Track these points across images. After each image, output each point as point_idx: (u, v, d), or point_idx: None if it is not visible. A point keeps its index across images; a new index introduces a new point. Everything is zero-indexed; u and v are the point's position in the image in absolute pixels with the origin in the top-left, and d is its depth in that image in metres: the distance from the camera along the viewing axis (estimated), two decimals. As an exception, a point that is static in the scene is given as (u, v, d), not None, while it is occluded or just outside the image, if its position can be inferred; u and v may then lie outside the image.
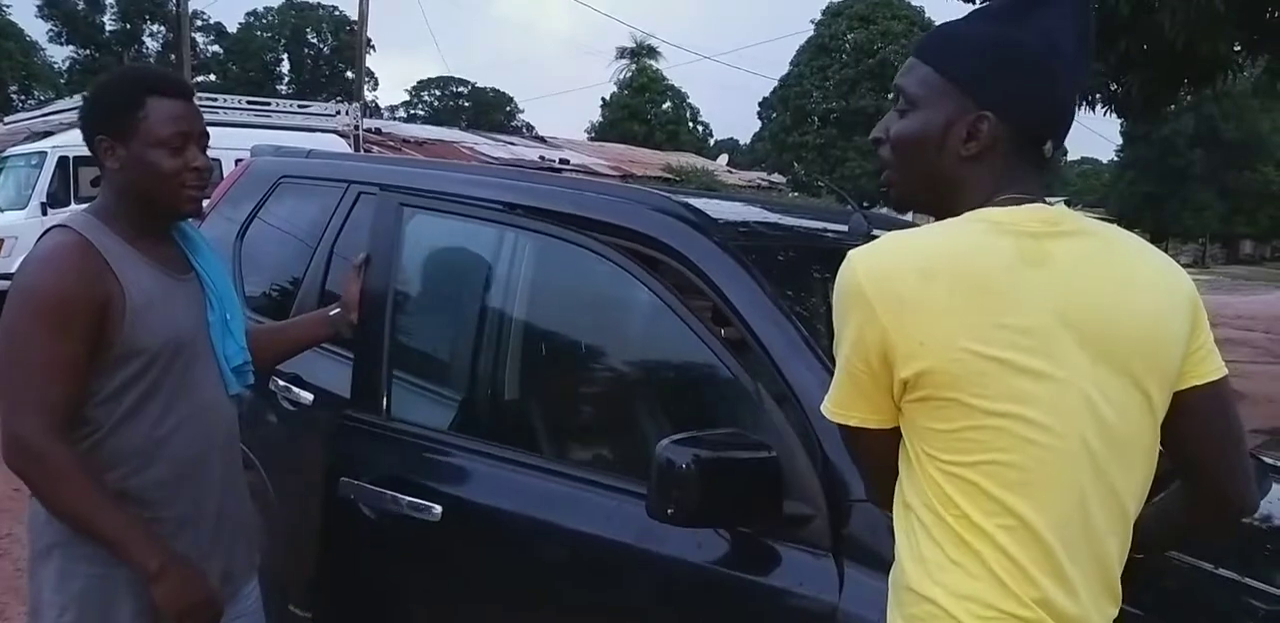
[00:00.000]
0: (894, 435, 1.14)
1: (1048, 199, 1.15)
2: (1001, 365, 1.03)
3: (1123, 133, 40.50)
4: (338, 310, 2.15)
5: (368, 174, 2.54)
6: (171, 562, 1.61)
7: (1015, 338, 1.03)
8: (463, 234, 2.34)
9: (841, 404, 1.15)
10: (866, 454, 1.21)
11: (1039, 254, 1.06)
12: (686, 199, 2.17)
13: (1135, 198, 44.15)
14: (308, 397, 2.29)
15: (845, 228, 2.28)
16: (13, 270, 9.07)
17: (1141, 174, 43.75)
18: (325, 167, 2.72)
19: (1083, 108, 7.11)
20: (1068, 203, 54.32)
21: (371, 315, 2.17)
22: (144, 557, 1.59)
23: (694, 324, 1.80)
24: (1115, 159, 45.36)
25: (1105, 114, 7.44)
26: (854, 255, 1.10)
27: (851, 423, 1.15)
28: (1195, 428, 1.15)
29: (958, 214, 1.12)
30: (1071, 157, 72.72)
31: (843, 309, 1.10)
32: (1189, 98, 7.96)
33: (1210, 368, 1.14)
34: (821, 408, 1.18)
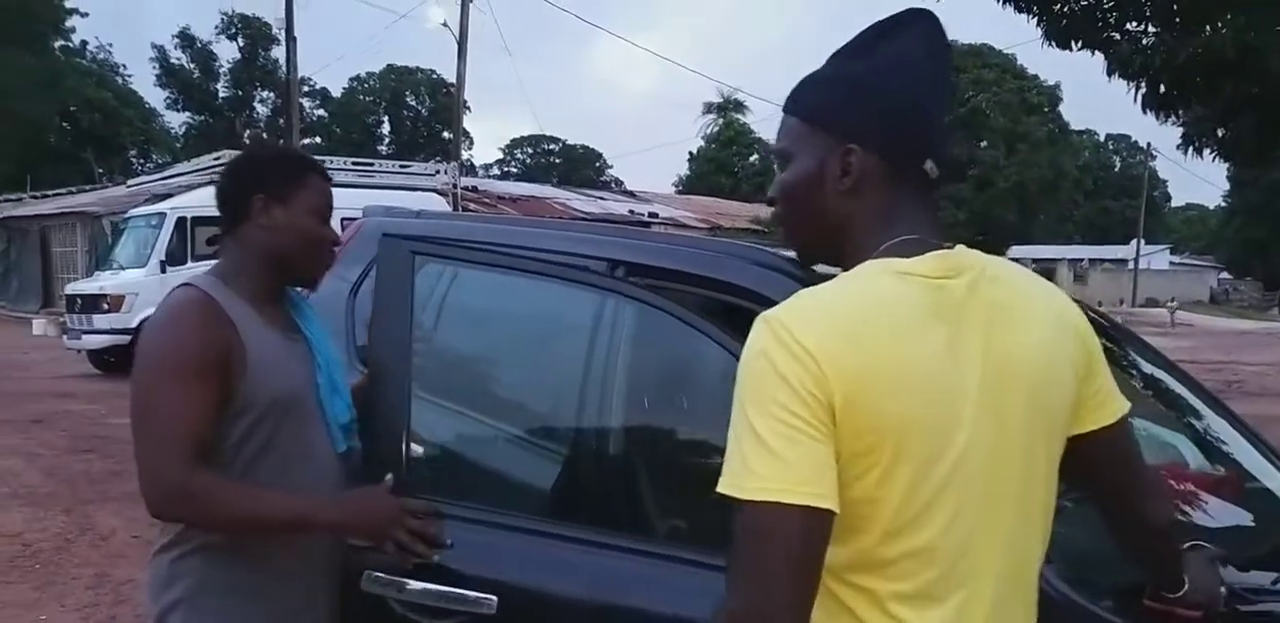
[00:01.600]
0: (831, 523, 0.97)
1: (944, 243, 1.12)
2: (921, 428, 1.00)
3: (1230, 178, 39.09)
4: None
5: (475, 234, 2.57)
6: (346, 507, 1.70)
7: (932, 397, 1.01)
8: (552, 296, 2.12)
9: (777, 477, 0.95)
10: (801, 551, 0.95)
11: (951, 309, 1.04)
12: (786, 253, 2.16)
13: (1244, 244, 42.35)
14: None
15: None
16: (133, 325, 9.56)
17: (1250, 220, 42.08)
18: (449, 228, 2.71)
19: (1188, 153, 6.92)
20: (1173, 250, 52.48)
21: (396, 375, 1.91)
22: (329, 519, 1.69)
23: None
24: (1223, 205, 43.71)
25: (1213, 160, 7.22)
26: (777, 316, 1.02)
27: (794, 501, 0.94)
28: (1100, 466, 1.19)
29: (858, 260, 1.09)
30: (1176, 203, 70.44)
31: (774, 369, 0.98)
32: (1302, 141, 7.65)
33: (1109, 411, 1.16)
34: (732, 488, 0.96)
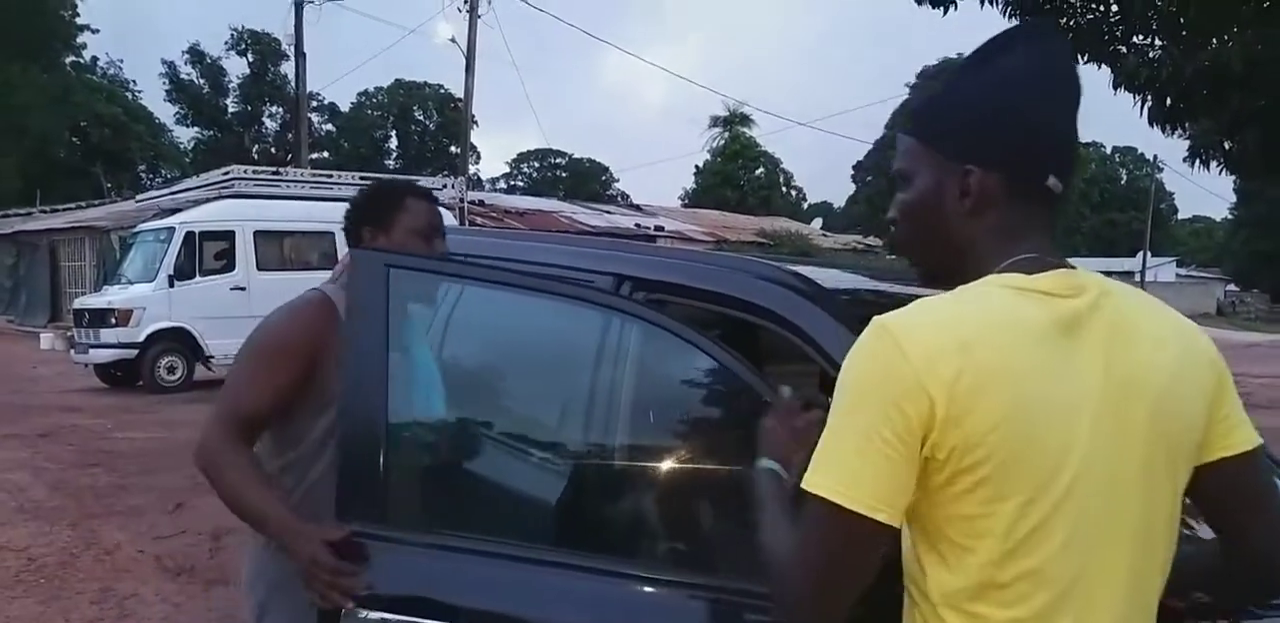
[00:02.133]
0: (891, 539, 1.01)
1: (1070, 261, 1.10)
2: (1032, 443, 0.98)
3: (1236, 190, 39.07)
4: None
5: (482, 248, 2.55)
6: (285, 529, 1.70)
7: (1045, 415, 0.98)
8: (543, 311, 2.04)
9: (854, 484, 0.98)
10: (851, 560, 1.01)
11: (1071, 326, 1.01)
12: (793, 267, 2.16)
13: (1251, 257, 42.23)
14: None
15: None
16: (140, 340, 9.63)
17: (1257, 232, 42.02)
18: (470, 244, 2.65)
19: (1195, 165, 6.90)
20: (1179, 262, 52.39)
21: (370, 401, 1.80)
22: (272, 532, 1.74)
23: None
24: (1229, 217, 43.64)
25: (1220, 172, 7.20)
26: (888, 323, 1.02)
27: (860, 510, 0.97)
28: (1227, 497, 1.11)
29: (968, 278, 1.08)
30: (1183, 215, 70.35)
31: (873, 376, 1.00)
32: (1309, 154, 7.64)
33: (1237, 440, 1.09)
34: (810, 484, 1.01)
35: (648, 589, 1.68)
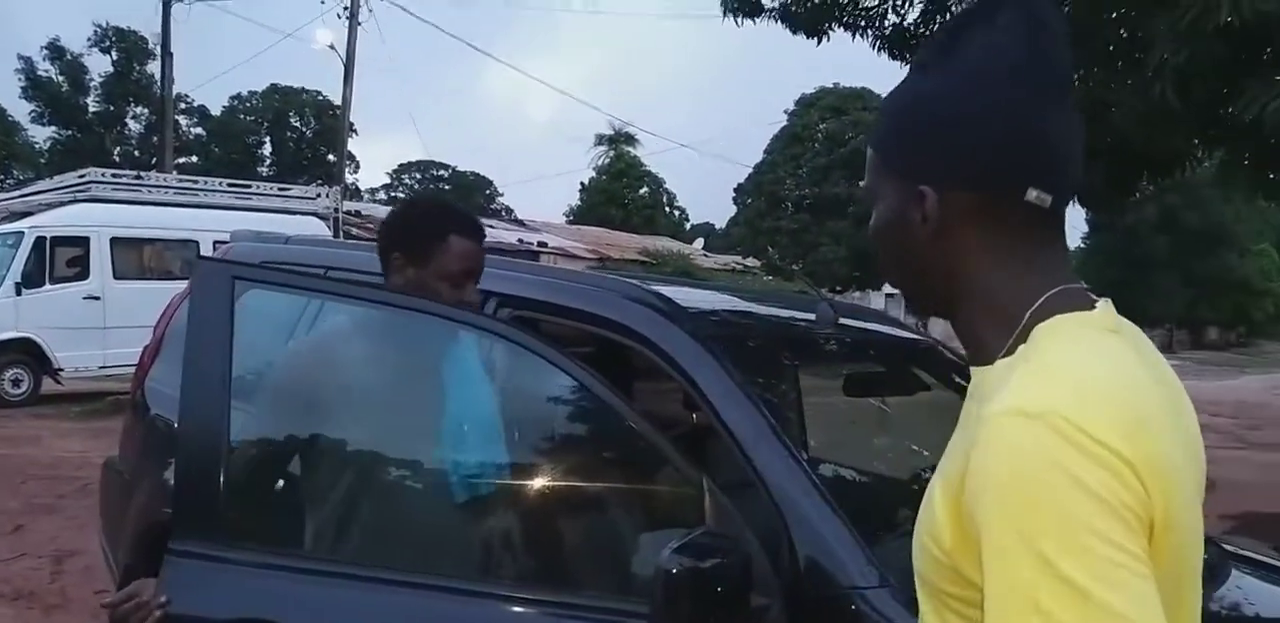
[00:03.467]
0: None
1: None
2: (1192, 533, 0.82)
3: (1088, 221, 41.54)
4: None
5: (351, 262, 2.50)
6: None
7: (1191, 494, 0.82)
8: (410, 329, 2.00)
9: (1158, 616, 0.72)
10: None
11: (1156, 368, 0.87)
12: (657, 287, 2.20)
13: (1103, 284, 44.76)
14: None
15: (813, 316, 2.32)
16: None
17: (1108, 261, 44.65)
18: (307, 254, 2.67)
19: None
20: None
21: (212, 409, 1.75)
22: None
23: (624, 411, 1.72)
24: (1082, 246, 46.34)
25: (1072, 204, 7.63)
26: (1060, 410, 0.74)
27: None
28: None
29: (967, 312, 0.91)
30: (1039, 243, 74.08)
31: (1077, 486, 0.72)
32: (1150, 188, 8.20)
33: None
34: None
35: (480, 605, 1.67)
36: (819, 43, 6.58)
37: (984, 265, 0.89)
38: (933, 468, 2.38)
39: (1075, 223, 42.05)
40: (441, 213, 1.94)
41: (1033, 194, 0.87)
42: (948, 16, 6.41)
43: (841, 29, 6.53)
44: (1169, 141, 5.84)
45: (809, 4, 6.41)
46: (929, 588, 0.87)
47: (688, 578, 1.37)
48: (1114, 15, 5.38)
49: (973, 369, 0.93)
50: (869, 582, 1.53)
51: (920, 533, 0.87)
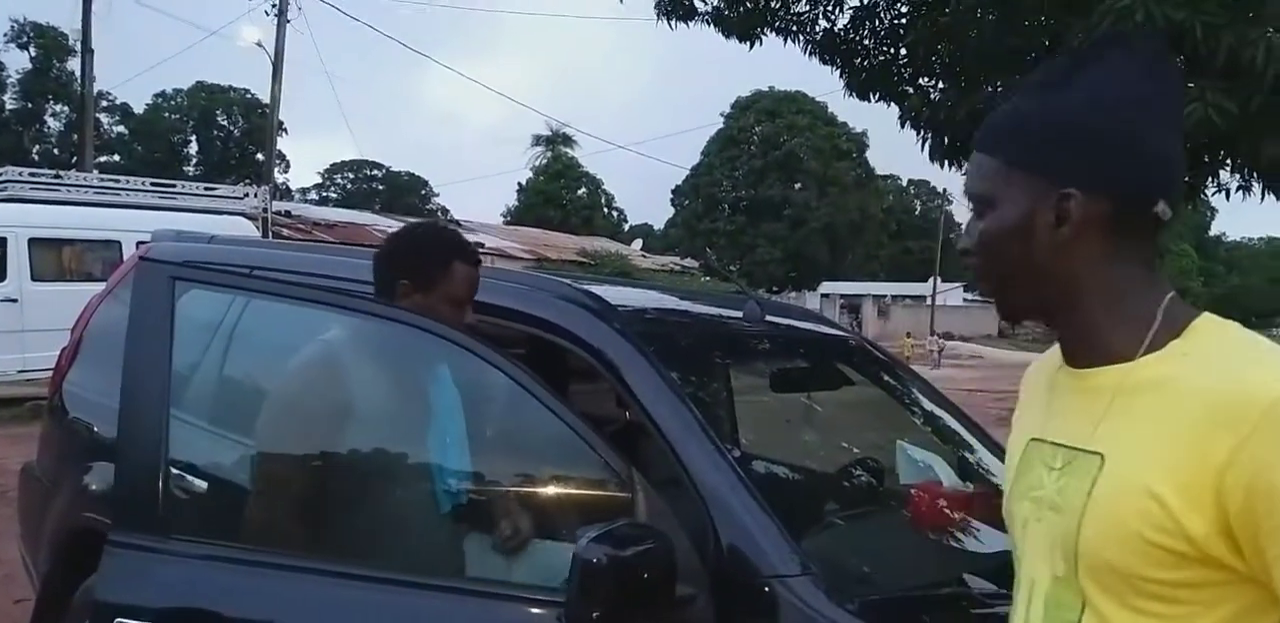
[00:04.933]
0: None
1: None
2: None
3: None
4: None
5: (277, 262, 2.50)
6: None
7: None
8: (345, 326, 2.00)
9: None
10: None
11: None
12: (589, 287, 2.23)
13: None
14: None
15: (740, 314, 2.38)
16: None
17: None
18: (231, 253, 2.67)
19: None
20: (966, 287, 56.64)
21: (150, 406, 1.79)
22: None
23: (554, 407, 1.74)
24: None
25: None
26: None
27: None
28: None
29: (1088, 314, 0.99)
30: (968, 244, 75.73)
31: None
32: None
33: None
34: None
35: (416, 595, 1.70)
36: (751, 47, 6.66)
37: (1114, 269, 0.98)
38: (861, 462, 2.47)
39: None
40: (441, 241, 2.05)
41: (1160, 206, 0.97)
42: (876, 23, 6.54)
43: (773, 34, 6.61)
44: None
45: (741, 9, 6.48)
46: (1118, 576, 0.91)
47: (606, 567, 1.40)
48: (1031, 23, 5.53)
49: (1103, 369, 0.98)
50: (791, 570, 1.58)
51: (1122, 528, 0.90)
